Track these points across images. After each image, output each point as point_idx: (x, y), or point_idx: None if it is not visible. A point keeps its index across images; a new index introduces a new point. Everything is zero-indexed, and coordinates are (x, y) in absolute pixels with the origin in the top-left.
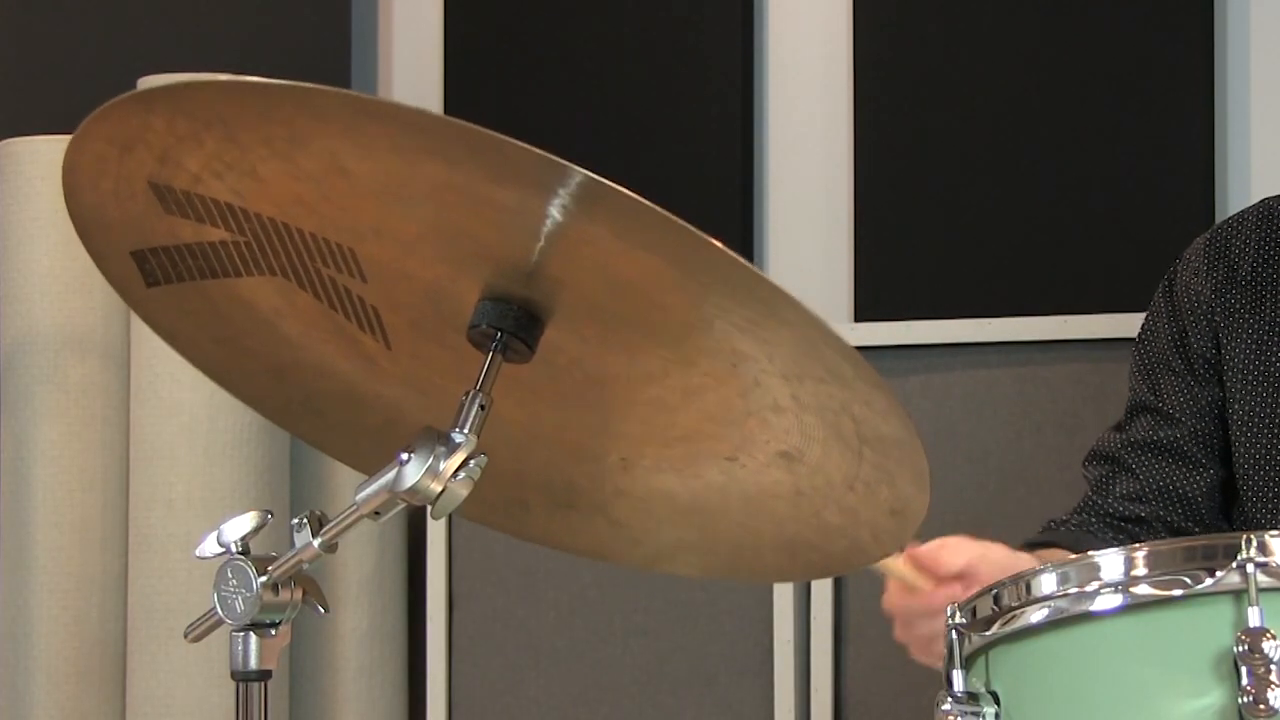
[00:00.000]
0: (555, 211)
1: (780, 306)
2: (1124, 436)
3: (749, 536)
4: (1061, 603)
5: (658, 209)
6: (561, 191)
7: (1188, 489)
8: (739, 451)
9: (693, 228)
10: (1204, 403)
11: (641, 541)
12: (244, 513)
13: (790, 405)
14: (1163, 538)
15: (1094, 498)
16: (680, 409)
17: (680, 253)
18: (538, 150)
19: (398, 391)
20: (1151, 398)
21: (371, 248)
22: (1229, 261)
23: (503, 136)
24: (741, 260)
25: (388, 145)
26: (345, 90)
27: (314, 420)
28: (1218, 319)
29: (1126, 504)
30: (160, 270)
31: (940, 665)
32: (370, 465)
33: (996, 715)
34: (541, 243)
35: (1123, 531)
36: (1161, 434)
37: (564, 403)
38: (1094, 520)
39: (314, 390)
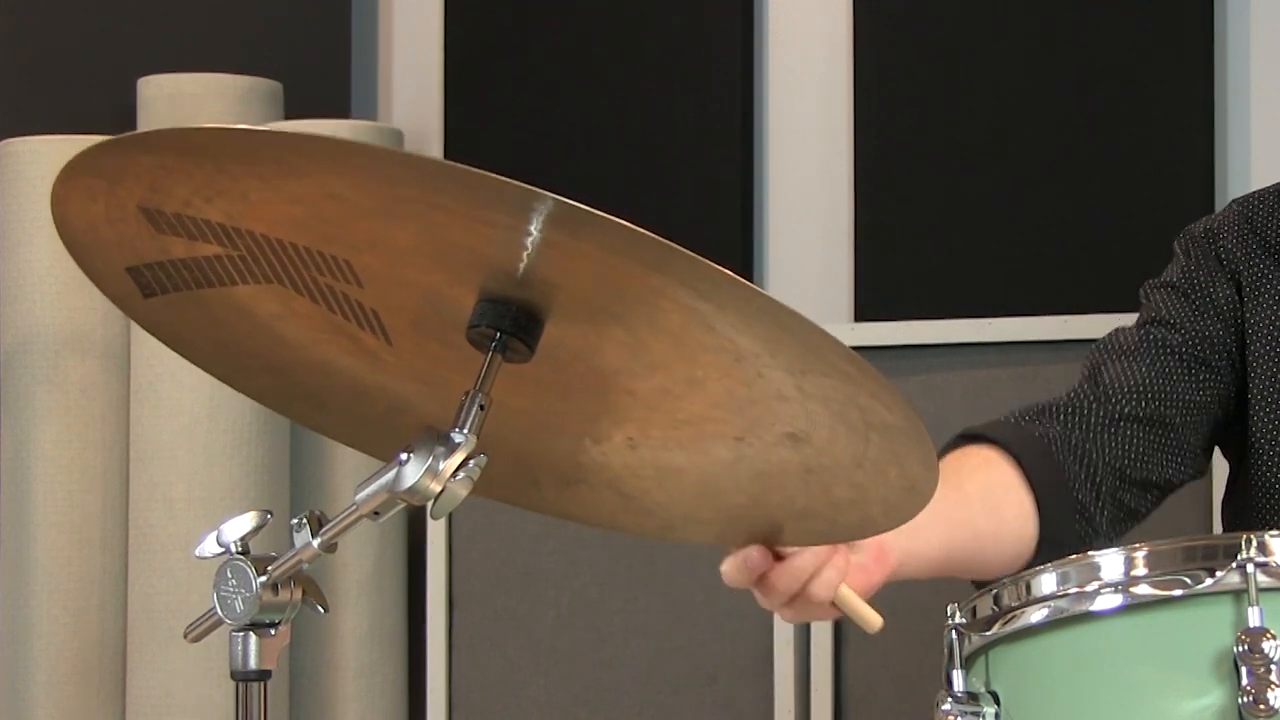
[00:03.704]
0: (542, 231)
1: (776, 312)
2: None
3: (760, 509)
4: (1061, 603)
5: (634, 228)
6: (544, 214)
7: (1197, 395)
8: (746, 433)
9: (671, 243)
10: (1216, 331)
11: (653, 513)
12: (244, 513)
13: (795, 395)
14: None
15: (1086, 386)
16: (685, 396)
17: (667, 264)
18: (515, 183)
19: (402, 383)
20: (1160, 313)
21: (366, 258)
22: (1257, 226)
23: (481, 172)
24: (725, 271)
25: (376, 178)
26: (330, 137)
27: (319, 413)
28: (1242, 276)
29: (1125, 400)
30: (156, 283)
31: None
32: (376, 451)
33: (996, 715)
34: (532, 253)
35: (1111, 443)
36: (1171, 337)
37: (569, 393)
38: (1077, 421)
39: (318, 385)
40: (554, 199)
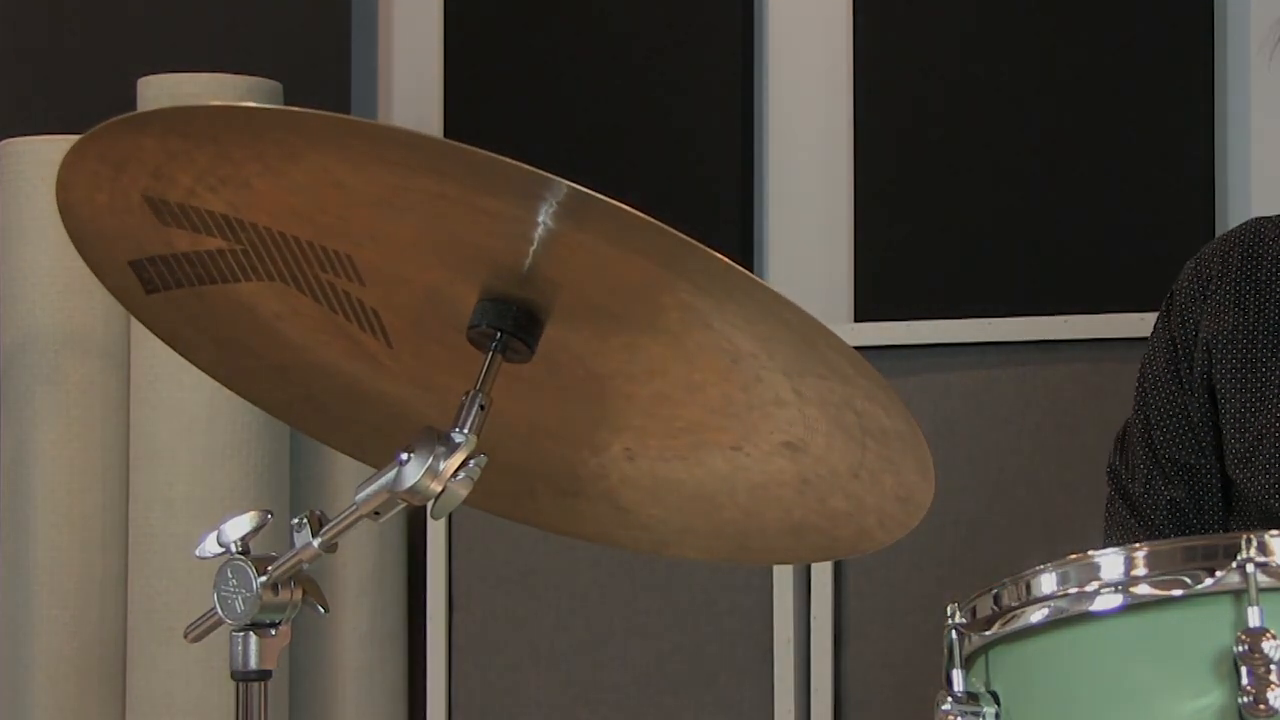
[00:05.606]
0: (546, 220)
1: (777, 307)
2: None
3: (755, 522)
4: (1061, 603)
5: (644, 216)
6: (550, 201)
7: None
8: (743, 441)
9: (679, 233)
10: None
11: (649, 527)
12: (244, 513)
13: (792, 399)
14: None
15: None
16: (683, 403)
17: (672, 256)
18: (524, 165)
19: (401, 388)
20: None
21: (368, 253)
22: (1221, 276)
23: (488, 153)
24: (731, 263)
25: (379, 161)
26: (335, 114)
27: (318, 416)
28: (1201, 312)
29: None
30: (159, 278)
31: None
32: (374, 459)
33: (996, 715)
34: (535, 247)
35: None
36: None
37: (566, 397)
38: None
39: (317, 388)
40: (565, 184)
